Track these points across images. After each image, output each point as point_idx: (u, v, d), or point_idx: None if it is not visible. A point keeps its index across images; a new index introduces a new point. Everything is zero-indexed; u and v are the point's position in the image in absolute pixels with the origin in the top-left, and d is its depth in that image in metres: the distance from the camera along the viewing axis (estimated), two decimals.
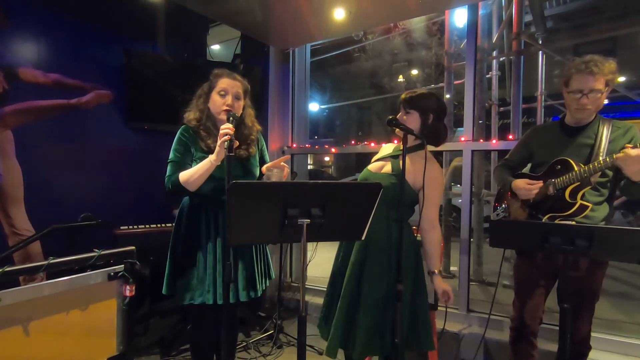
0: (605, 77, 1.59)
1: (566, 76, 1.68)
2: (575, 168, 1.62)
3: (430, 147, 1.67)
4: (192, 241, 1.67)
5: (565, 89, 1.69)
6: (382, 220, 1.63)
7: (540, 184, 1.71)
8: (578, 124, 1.72)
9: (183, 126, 1.71)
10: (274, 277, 1.86)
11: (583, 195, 1.64)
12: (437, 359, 2.18)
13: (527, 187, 1.74)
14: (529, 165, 1.94)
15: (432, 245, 1.67)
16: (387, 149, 1.87)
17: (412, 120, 1.66)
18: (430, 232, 1.66)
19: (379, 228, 1.62)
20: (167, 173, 1.64)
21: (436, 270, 1.67)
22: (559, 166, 1.69)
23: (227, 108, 1.63)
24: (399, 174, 1.62)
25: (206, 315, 1.71)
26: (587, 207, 1.62)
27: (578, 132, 1.71)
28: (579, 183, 1.62)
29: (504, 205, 1.97)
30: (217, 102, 1.65)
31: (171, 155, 1.66)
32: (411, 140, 1.69)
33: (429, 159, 1.62)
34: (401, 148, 1.70)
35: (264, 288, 1.79)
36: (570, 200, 1.65)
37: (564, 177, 1.65)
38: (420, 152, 1.67)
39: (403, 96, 1.72)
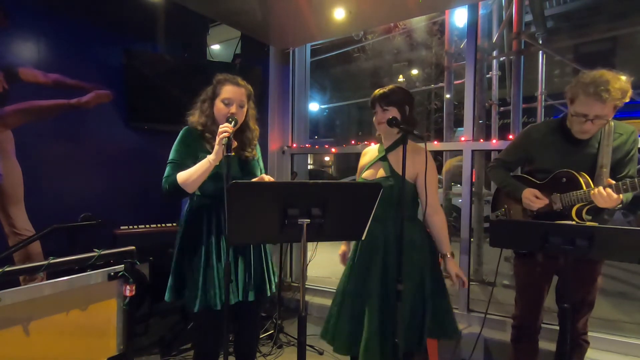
0: (614, 102, 1.49)
1: (573, 94, 1.57)
2: (583, 187, 1.58)
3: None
4: (197, 246, 1.63)
5: (570, 107, 1.61)
6: (391, 221, 1.68)
7: (546, 201, 1.68)
8: None
9: (186, 127, 1.69)
10: (274, 288, 1.81)
11: (588, 210, 1.61)
12: (437, 359, 2.19)
13: (533, 199, 1.69)
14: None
15: (439, 228, 1.72)
16: (371, 153, 1.88)
17: (391, 115, 1.68)
18: (435, 216, 1.72)
19: (389, 230, 1.68)
20: (166, 174, 1.59)
21: (448, 253, 1.71)
22: (564, 179, 1.64)
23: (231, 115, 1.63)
24: (395, 174, 1.68)
25: (211, 319, 1.66)
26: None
27: (581, 141, 1.65)
28: (585, 203, 1.59)
29: (503, 210, 1.93)
30: (222, 111, 1.64)
31: (172, 155, 1.63)
32: (393, 135, 1.74)
33: (420, 148, 1.67)
34: (385, 147, 1.78)
35: (272, 290, 1.77)
36: (577, 220, 1.62)
37: (571, 195, 1.61)
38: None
39: (377, 94, 1.74)
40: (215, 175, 1.58)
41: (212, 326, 1.69)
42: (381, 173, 1.73)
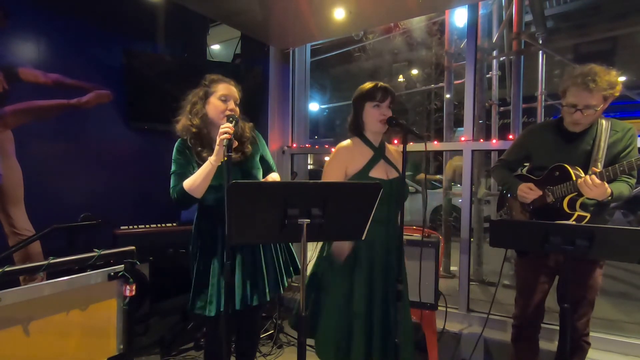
0: (602, 93, 1.53)
1: (564, 87, 1.64)
2: (573, 177, 1.61)
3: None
4: (206, 255, 1.67)
5: (562, 100, 1.66)
6: (393, 222, 1.67)
7: (538, 192, 1.71)
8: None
9: (179, 139, 1.69)
10: (292, 275, 1.84)
11: (581, 203, 1.63)
12: (437, 359, 2.19)
13: (527, 191, 1.73)
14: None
15: None
16: (358, 151, 1.72)
17: (390, 114, 1.67)
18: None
19: (391, 231, 1.67)
20: (172, 184, 1.63)
21: None
22: (557, 173, 1.68)
23: (231, 113, 1.63)
24: (400, 172, 1.65)
25: (219, 324, 1.68)
26: (585, 217, 1.62)
27: (577, 137, 1.69)
28: (576, 193, 1.61)
29: (506, 208, 1.96)
30: (220, 107, 1.64)
31: (173, 166, 1.66)
32: (380, 133, 1.72)
33: (398, 149, 1.75)
34: (377, 146, 1.74)
35: (273, 295, 1.76)
36: (568, 211, 1.64)
37: (562, 186, 1.64)
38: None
39: (387, 87, 1.69)
40: (217, 184, 1.60)
41: (220, 330, 1.69)
42: (392, 174, 1.71)
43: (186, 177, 1.60)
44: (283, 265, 1.80)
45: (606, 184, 1.51)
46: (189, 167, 1.63)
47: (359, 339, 1.59)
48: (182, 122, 1.67)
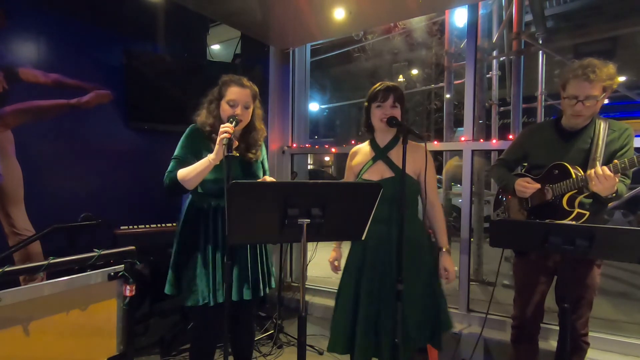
0: (602, 83, 1.56)
1: (563, 80, 1.66)
2: (573, 175, 1.61)
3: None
4: (195, 243, 1.68)
5: (562, 93, 1.68)
6: (395, 221, 1.67)
7: (537, 185, 1.71)
8: (574, 127, 1.70)
9: (193, 125, 1.72)
10: (273, 285, 1.85)
11: (580, 201, 1.64)
12: (437, 359, 2.19)
13: (525, 184, 1.74)
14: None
15: (440, 222, 1.78)
16: (363, 152, 1.83)
17: (397, 113, 1.69)
18: (433, 210, 1.78)
19: (394, 230, 1.67)
20: (169, 169, 1.64)
21: (444, 248, 1.76)
22: (557, 171, 1.68)
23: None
24: (399, 172, 1.65)
25: (206, 316, 1.70)
26: (585, 215, 1.62)
27: (574, 136, 1.70)
28: (576, 190, 1.62)
29: (502, 207, 1.97)
30: (227, 112, 1.66)
31: (176, 151, 1.67)
32: (388, 133, 1.75)
33: (418, 145, 1.73)
34: (382, 146, 1.77)
35: (266, 291, 1.79)
36: (567, 209, 1.65)
37: (561, 184, 1.65)
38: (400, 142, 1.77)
39: (390, 85, 1.71)
40: (217, 177, 1.61)
41: (206, 323, 1.71)
42: (388, 174, 1.72)
43: (185, 165, 1.60)
44: (266, 271, 1.81)
45: (617, 178, 1.49)
46: (192, 156, 1.64)
47: (362, 335, 1.63)
48: (201, 117, 1.73)
